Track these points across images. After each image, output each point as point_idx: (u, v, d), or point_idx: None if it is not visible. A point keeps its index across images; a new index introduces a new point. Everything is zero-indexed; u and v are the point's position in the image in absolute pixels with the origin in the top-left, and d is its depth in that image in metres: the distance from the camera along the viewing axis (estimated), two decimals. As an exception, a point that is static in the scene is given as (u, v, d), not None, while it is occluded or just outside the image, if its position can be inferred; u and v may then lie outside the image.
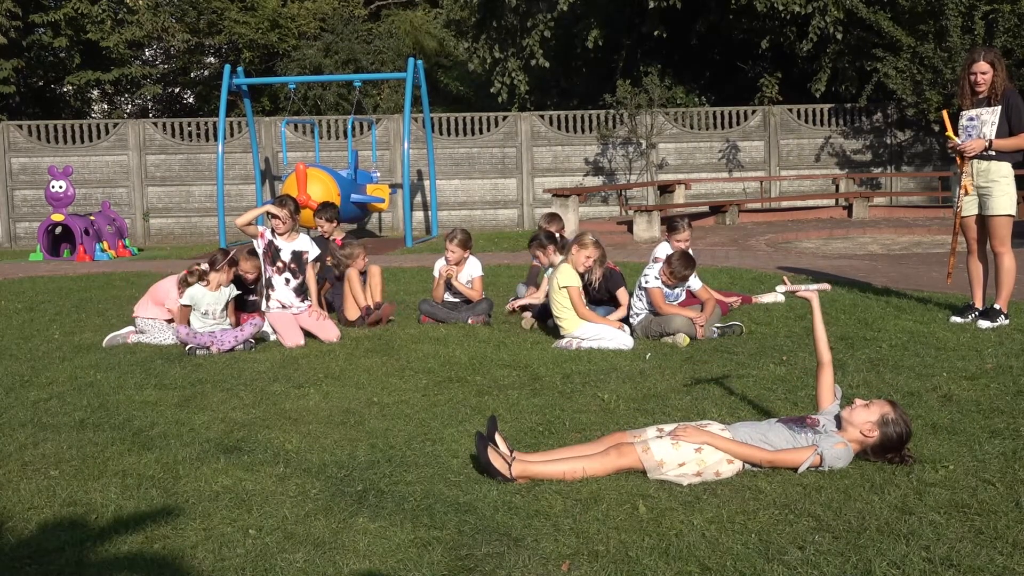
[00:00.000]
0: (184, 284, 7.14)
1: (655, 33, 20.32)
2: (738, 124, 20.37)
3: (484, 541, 3.28)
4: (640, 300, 7.03)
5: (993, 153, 6.80)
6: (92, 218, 16.40)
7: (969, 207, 7.04)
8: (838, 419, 4.01)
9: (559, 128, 20.38)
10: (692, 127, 20.39)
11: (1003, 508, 3.42)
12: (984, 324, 6.77)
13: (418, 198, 20.54)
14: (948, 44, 17.50)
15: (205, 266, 7.16)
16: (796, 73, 20.86)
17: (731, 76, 22.35)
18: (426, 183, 19.85)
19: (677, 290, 7.03)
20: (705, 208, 18.09)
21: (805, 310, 7.60)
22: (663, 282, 6.92)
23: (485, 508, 3.58)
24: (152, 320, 7.41)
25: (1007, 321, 6.82)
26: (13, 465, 4.27)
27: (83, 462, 4.27)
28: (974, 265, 7.12)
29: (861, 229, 15.98)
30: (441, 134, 20.27)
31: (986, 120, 6.83)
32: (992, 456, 3.98)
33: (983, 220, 6.97)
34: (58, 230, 16.38)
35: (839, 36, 18.61)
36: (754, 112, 20.45)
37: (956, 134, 6.93)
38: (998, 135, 6.77)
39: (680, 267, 6.87)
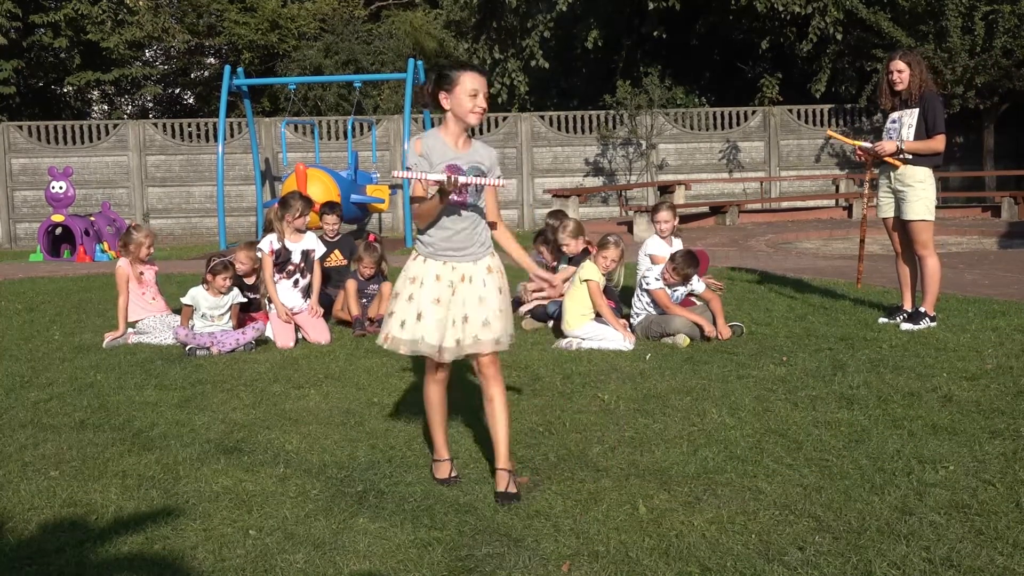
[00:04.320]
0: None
1: (655, 34, 20.33)
2: (738, 124, 20.37)
3: (484, 541, 3.29)
4: (640, 300, 7.03)
5: (909, 156, 6.73)
6: (92, 219, 16.38)
7: (886, 209, 7.02)
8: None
9: (559, 129, 20.37)
10: (692, 128, 20.38)
11: (1003, 509, 3.42)
12: (907, 327, 6.74)
13: (418, 199, 20.49)
14: (948, 44, 17.49)
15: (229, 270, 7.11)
16: (796, 74, 20.86)
17: (731, 77, 22.35)
18: (426, 184, 19.79)
19: (679, 292, 7.03)
20: (705, 208, 18.09)
21: (805, 311, 7.63)
22: (666, 280, 6.93)
23: (485, 508, 3.58)
24: (151, 320, 7.42)
25: (933, 324, 6.78)
26: (13, 466, 4.27)
27: (83, 463, 4.27)
28: (901, 267, 7.12)
29: (861, 230, 15.96)
30: (441, 135, 20.23)
31: (905, 122, 6.80)
32: (992, 456, 3.99)
33: (903, 223, 6.94)
34: (58, 231, 16.37)
35: (839, 36, 18.61)
36: (754, 112, 20.44)
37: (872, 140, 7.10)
38: (916, 137, 6.72)
39: (683, 264, 6.89)
